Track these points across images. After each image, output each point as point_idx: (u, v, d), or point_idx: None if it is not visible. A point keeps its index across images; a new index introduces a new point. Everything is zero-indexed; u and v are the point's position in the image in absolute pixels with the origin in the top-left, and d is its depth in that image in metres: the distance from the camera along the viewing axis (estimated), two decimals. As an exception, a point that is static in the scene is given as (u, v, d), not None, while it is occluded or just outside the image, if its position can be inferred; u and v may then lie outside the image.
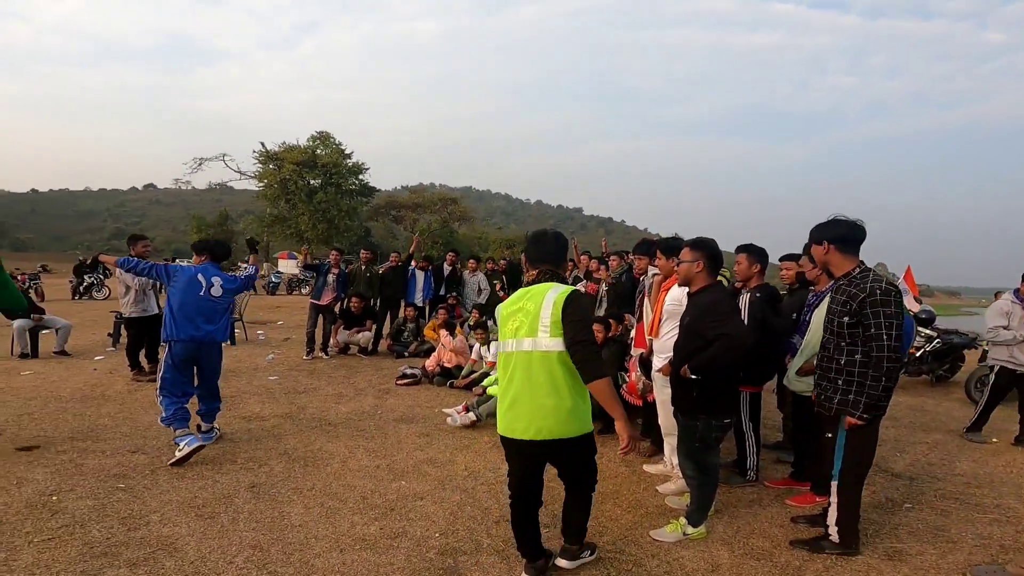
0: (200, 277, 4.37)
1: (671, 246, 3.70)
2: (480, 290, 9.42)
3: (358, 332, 8.54)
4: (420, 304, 9.06)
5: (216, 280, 4.44)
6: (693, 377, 3.09)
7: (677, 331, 3.61)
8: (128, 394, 5.73)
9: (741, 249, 3.83)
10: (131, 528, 2.91)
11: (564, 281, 2.69)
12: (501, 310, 2.69)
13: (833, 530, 3.03)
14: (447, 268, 9.59)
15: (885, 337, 2.70)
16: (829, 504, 3.07)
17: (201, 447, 3.92)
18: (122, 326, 8.79)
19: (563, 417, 2.47)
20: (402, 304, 9.17)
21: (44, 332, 7.99)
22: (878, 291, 2.72)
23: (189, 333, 4.18)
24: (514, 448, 2.62)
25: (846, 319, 2.83)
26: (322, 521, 3.15)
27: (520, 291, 2.66)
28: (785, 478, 4.05)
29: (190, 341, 4.19)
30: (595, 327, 5.14)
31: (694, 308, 3.14)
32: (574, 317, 2.44)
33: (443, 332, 7.40)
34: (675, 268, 3.38)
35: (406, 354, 8.48)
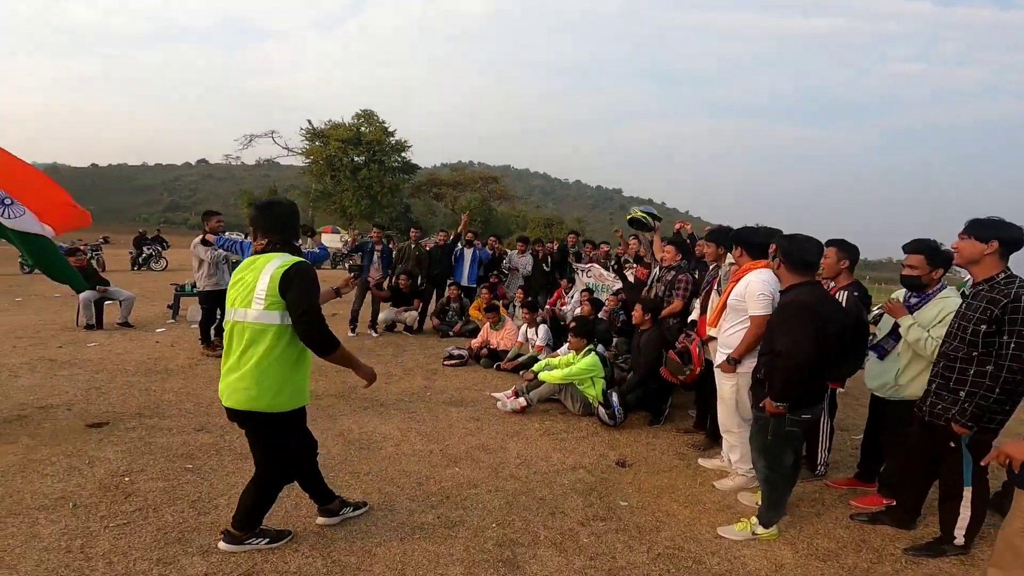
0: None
1: (732, 236, 3.55)
2: (524, 270, 9.34)
3: (405, 311, 8.62)
4: (466, 284, 9.04)
5: None
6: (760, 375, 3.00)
7: (738, 327, 3.47)
8: (190, 368, 5.93)
9: (831, 243, 3.59)
10: (201, 512, 2.99)
11: (295, 252, 2.60)
12: (232, 277, 2.62)
13: (960, 533, 2.95)
14: (488, 252, 9.52)
15: (1014, 347, 2.56)
16: (949, 509, 3.00)
17: None
18: (181, 298, 9.17)
19: (256, 390, 2.44)
20: (448, 283, 9.20)
21: (108, 303, 8.31)
22: (1023, 298, 2.56)
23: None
24: (227, 414, 2.59)
25: (984, 327, 2.66)
26: (381, 508, 3.19)
27: (248, 260, 2.60)
28: (849, 479, 3.91)
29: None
30: (636, 310, 5.03)
31: (776, 307, 3.09)
32: (298, 294, 2.41)
33: (487, 316, 7.36)
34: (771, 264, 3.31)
35: (451, 334, 8.52)
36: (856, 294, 3.51)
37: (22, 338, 6.96)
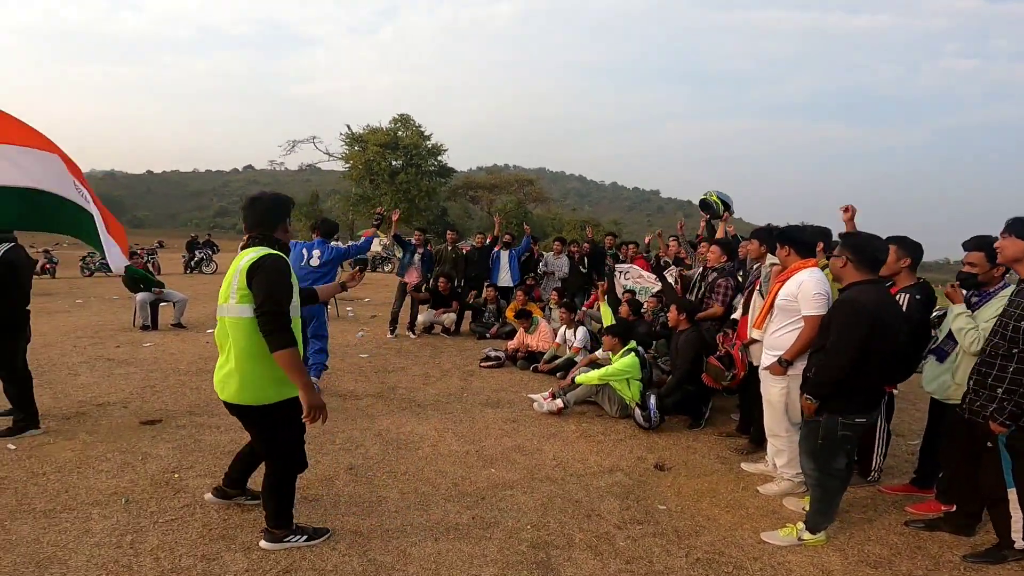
0: (304, 250, 5.39)
1: (783, 236, 3.43)
2: (560, 272, 9.28)
3: (443, 313, 8.70)
4: (503, 285, 9.06)
5: (315, 252, 5.40)
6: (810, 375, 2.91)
7: (787, 328, 3.36)
8: (236, 369, 6.12)
9: (890, 240, 3.45)
10: (245, 510, 3.07)
11: (273, 245, 2.59)
12: None
13: (1018, 536, 2.81)
14: (527, 240, 9.51)
15: None
16: (1000, 514, 2.88)
17: None
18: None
19: (239, 383, 2.48)
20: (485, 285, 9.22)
21: (163, 305, 8.69)
22: None
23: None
24: (225, 407, 2.64)
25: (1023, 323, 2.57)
26: (417, 508, 3.22)
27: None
28: (905, 484, 3.76)
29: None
30: (671, 311, 4.94)
31: (835, 302, 2.99)
32: (258, 285, 2.41)
33: (519, 322, 7.36)
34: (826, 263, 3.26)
35: (488, 336, 8.55)
36: (919, 296, 3.36)
37: (82, 338, 7.34)
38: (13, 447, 3.69)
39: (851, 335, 2.74)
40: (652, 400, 4.64)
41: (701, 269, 5.91)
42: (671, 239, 7.98)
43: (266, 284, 2.41)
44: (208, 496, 3.08)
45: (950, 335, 3.30)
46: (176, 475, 3.43)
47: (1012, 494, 2.77)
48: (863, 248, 2.89)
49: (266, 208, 2.65)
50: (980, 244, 3.18)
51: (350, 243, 5.64)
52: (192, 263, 19.98)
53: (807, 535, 3.00)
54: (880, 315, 2.76)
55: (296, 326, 2.57)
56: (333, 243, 5.85)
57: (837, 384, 2.81)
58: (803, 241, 3.42)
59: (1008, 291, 3.10)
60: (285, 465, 2.71)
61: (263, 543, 2.72)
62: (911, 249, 3.45)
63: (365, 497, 3.30)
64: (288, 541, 2.73)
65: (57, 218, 3.89)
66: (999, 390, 2.68)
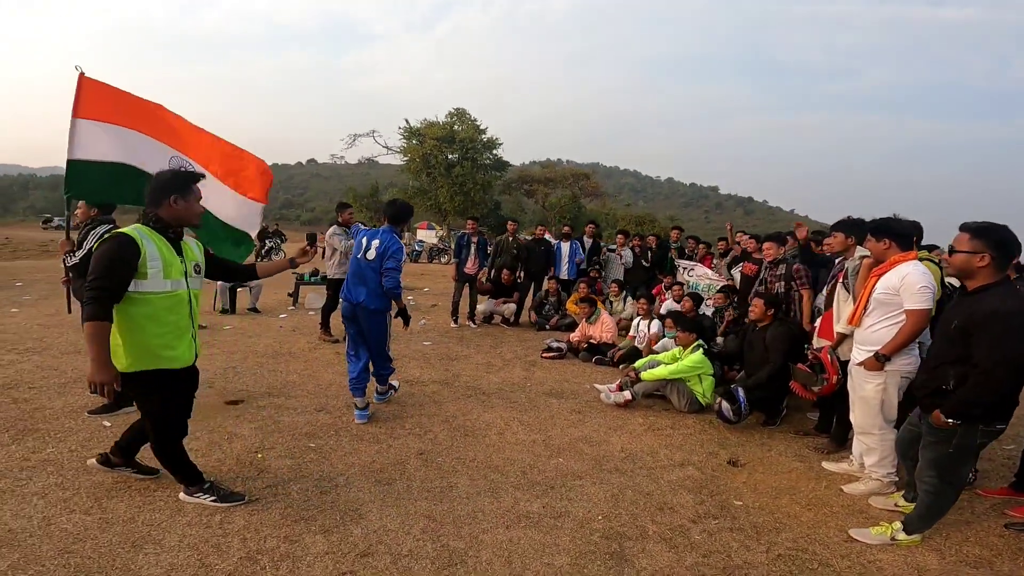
0: (364, 239, 4.26)
1: (878, 227, 3.23)
2: (624, 264, 9.14)
3: (503, 303, 8.73)
4: (564, 277, 9.00)
5: (374, 243, 4.18)
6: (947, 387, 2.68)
7: (886, 322, 3.16)
8: (310, 351, 6.37)
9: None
10: (323, 491, 3.17)
11: (148, 222, 2.68)
12: None
13: None
14: (588, 241, 9.42)
15: None
16: None
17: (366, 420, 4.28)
18: (300, 287, 9.93)
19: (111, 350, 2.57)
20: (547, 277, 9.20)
21: (240, 290, 9.17)
22: None
23: (344, 294, 4.31)
24: None
25: None
26: (487, 494, 3.23)
27: None
28: (1004, 488, 3.52)
29: (345, 302, 4.28)
30: (756, 305, 4.71)
31: (968, 308, 2.63)
32: (92, 259, 2.55)
33: (581, 308, 7.28)
34: (945, 257, 3.01)
35: (547, 327, 8.52)
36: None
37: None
38: (108, 424, 3.92)
39: (1015, 352, 2.47)
40: (741, 392, 4.42)
41: (767, 265, 5.68)
42: (739, 233, 7.74)
43: (93, 260, 2.54)
44: (91, 462, 3.18)
45: None
46: (259, 455, 3.57)
47: None
48: (1008, 245, 2.57)
49: (154, 186, 2.75)
50: None
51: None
52: (263, 251, 20.92)
53: (902, 535, 2.84)
54: None
55: (174, 305, 2.70)
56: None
57: (994, 403, 2.58)
58: (904, 234, 3.20)
59: None
60: (156, 430, 2.83)
61: (180, 494, 2.97)
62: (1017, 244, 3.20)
63: (436, 483, 3.35)
64: (196, 496, 2.94)
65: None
66: None
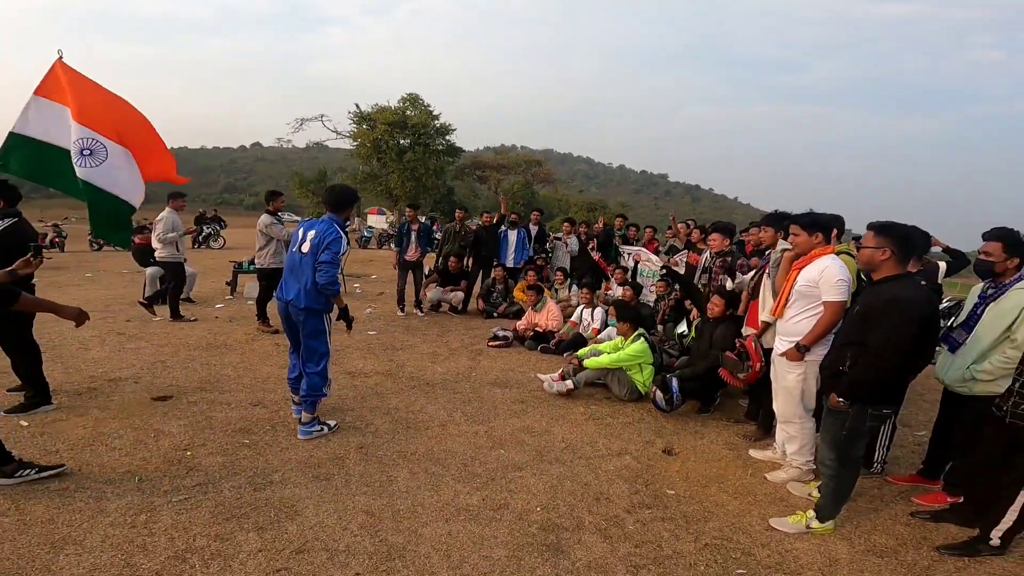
0: (301, 231, 3.80)
1: (813, 221, 3.37)
2: (570, 252, 9.24)
3: (451, 291, 8.69)
4: (511, 265, 9.03)
5: (310, 234, 3.71)
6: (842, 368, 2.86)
7: (806, 314, 3.32)
8: (247, 343, 6.15)
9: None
10: (257, 488, 3.09)
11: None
12: None
13: (997, 535, 2.81)
14: (533, 228, 9.46)
15: None
16: (996, 510, 2.85)
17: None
18: (239, 275, 9.53)
19: None
20: (493, 264, 9.20)
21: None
22: None
23: (278, 292, 3.89)
24: None
25: None
26: (427, 488, 3.23)
27: None
28: (912, 475, 3.74)
29: (281, 303, 3.84)
30: (716, 302, 4.81)
31: (870, 296, 2.87)
32: None
33: (528, 295, 7.35)
34: (855, 251, 3.21)
35: (495, 315, 8.55)
36: (924, 283, 3.32)
37: (92, 312, 7.27)
38: (26, 424, 3.71)
39: (903, 336, 2.66)
40: (675, 383, 4.56)
41: (708, 254, 5.86)
42: (681, 224, 7.94)
43: None
44: None
45: (963, 325, 3.27)
46: (188, 452, 3.45)
47: (1021, 497, 2.74)
48: (908, 240, 2.79)
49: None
50: (999, 235, 3.15)
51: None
52: (200, 238, 20.01)
53: (816, 523, 3.00)
54: (930, 311, 2.71)
55: None
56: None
57: (880, 384, 2.76)
58: (829, 227, 3.39)
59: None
60: None
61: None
62: (923, 240, 3.48)
63: (375, 477, 3.32)
64: (18, 476, 2.94)
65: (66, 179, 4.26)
66: None
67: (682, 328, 6.15)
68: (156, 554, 2.49)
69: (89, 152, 4.19)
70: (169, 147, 5.11)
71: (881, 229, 2.82)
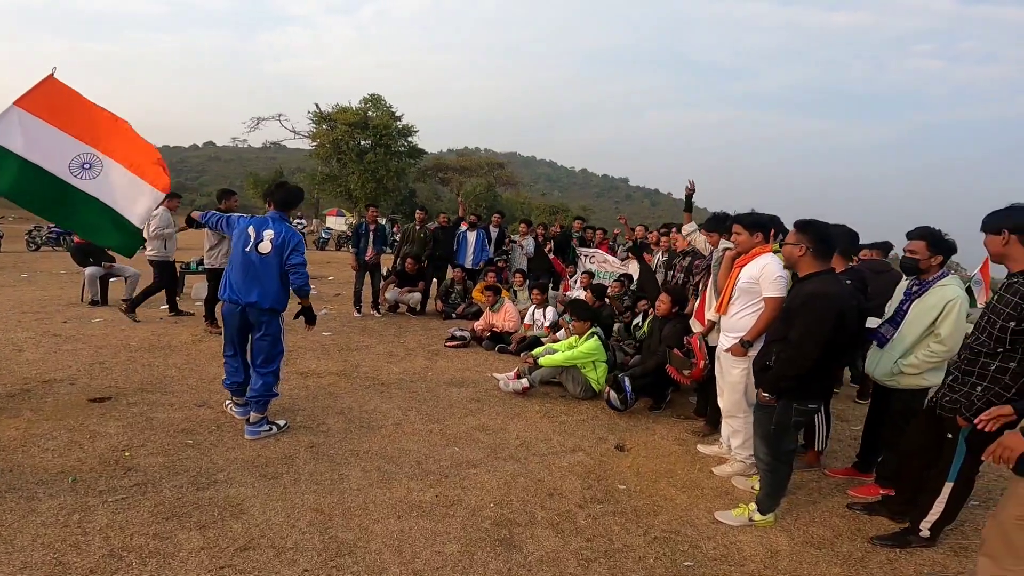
0: (251, 229, 3.70)
1: (754, 221, 3.49)
2: (527, 254, 9.31)
3: (409, 292, 8.62)
4: (469, 266, 9.03)
5: (267, 234, 3.66)
6: (768, 362, 2.96)
7: (748, 310, 3.43)
8: (193, 344, 5.95)
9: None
10: (200, 488, 3.00)
11: None
12: None
13: (926, 527, 2.92)
14: (493, 230, 9.50)
15: None
16: (924, 502, 2.95)
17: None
18: (186, 276, 9.19)
19: None
20: (449, 266, 9.19)
21: (113, 280, 8.33)
22: None
23: (228, 295, 3.73)
24: None
25: (1013, 323, 2.48)
26: (379, 485, 3.20)
27: None
28: (847, 468, 3.91)
29: (232, 304, 3.72)
30: (663, 300, 4.92)
31: (794, 292, 2.99)
32: None
33: (486, 296, 7.37)
34: (778, 248, 3.25)
35: (454, 315, 8.53)
36: (849, 281, 3.47)
37: (27, 313, 6.99)
38: None
39: (820, 329, 2.76)
40: (627, 382, 4.64)
41: (665, 256, 6.01)
42: (637, 227, 8.11)
43: None
44: None
45: (889, 320, 3.43)
46: (127, 453, 3.31)
47: (947, 489, 2.84)
48: (825, 238, 2.90)
49: None
50: (922, 234, 3.29)
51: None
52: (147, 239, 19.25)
53: (758, 516, 3.10)
54: (844, 307, 2.80)
55: None
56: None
57: (799, 377, 2.86)
58: (767, 226, 3.51)
59: (946, 281, 3.24)
60: None
61: None
62: (844, 239, 3.58)
63: (326, 475, 3.26)
64: None
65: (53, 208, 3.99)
66: (979, 388, 2.62)
67: (637, 321, 6.26)
68: (90, 553, 2.40)
69: (88, 166, 4.02)
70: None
71: (799, 227, 2.93)
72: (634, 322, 6.33)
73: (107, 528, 2.59)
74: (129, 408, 4.02)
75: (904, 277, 3.56)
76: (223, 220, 3.97)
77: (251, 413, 3.74)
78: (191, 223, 4.42)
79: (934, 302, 3.19)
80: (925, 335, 3.23)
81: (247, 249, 3.68)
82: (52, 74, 4.04)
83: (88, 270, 7.84)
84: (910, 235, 3.35)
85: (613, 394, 4.67)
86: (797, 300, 2.91)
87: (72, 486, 2.92)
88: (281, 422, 3.90)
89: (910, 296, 3.34)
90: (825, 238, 2.90)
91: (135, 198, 4.19)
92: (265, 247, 3.65)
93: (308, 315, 3.99)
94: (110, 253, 9.11)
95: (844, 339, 2.85)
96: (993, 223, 2.56)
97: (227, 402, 4.10)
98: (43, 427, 3.60)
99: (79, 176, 3.97)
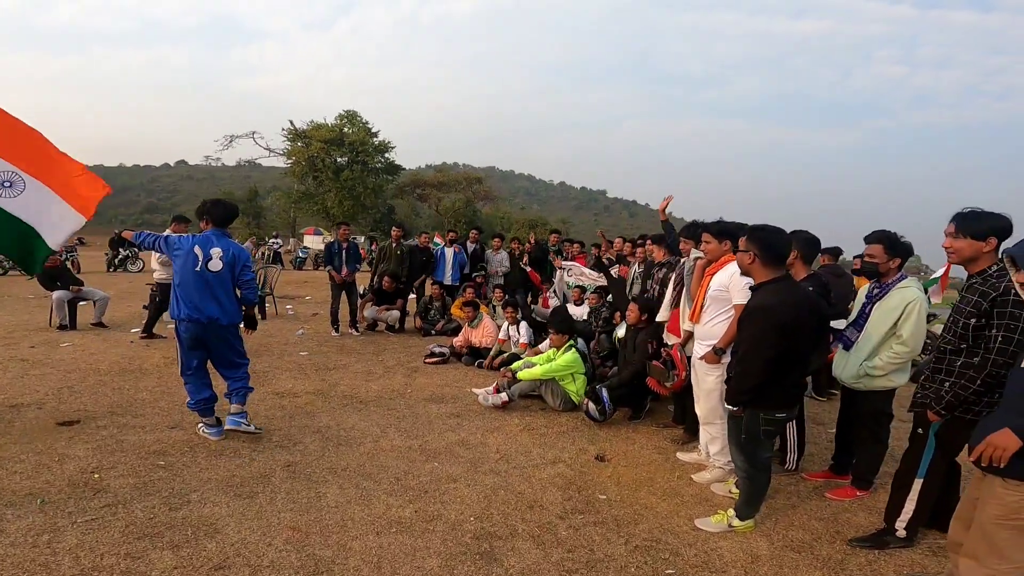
0: (197, 250, 3.81)
1: (721, 230, 3.56)
2: (503, 267, 9.35)
3: (387, 310, 8.58)
4: (448, 283, 9.03)
5: (215, 252, 3.83)
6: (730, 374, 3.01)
7: (720, 318, 3.50)
8: (165, 367, 5.83)
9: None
10: (172, 508, 2.94)
11: None
12: None
13: (901, 526, 2.96)
14: (471, 246, 9.53)
15: (1001, 340, 2.49)
16: (896, 501, 3.00)
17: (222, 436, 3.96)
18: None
19: None
20: (428, 282, 9.18)
21: (82, 304, 8.19)
22: (1012, 291, 2.45)
23: (187, 313, 3.78)
24: None
25: (973, 320, 2.59)
26: (358, 503, 3.16)
27: None
28: (824, 471, 3.96)
29: (191, 323, 3.79)
30: (632, 310, 5.02)
31: (745, 307, 3.01)
32: None
33: (464, 311, 7.38)
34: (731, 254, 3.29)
35: (433, 332, 8.50)
36: (811, 288, 3.52)
37: (-8, 338, 6.79)
38: None
39: (762, 344, 2.76)
40: (605, 393, 4.67)
41: (641, 267, 6.09)
42: (615, 238, 8.20)
43: None
44: None
45: (853, 323, 3.52)
46: (96, 475, 3.23)
47: (917, 485, 2.89)
48: (771, 245, 2.86)
49: None
50: (879, 238, 3.37)
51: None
52: (116, 261, 18.82)
53: (737, 522, 3.13)
54: (791, 317, 2.74)
55: None
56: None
57: (753, 389, 2.85)
58: (736, 235, 3.57)
59: (905, 283, 3.34)
60: None
61: None
62: (805, 244, 3.63)
63: (303, 494, 3.22)
64: None
65: None
66: (946, 384, 2.69)
67: (618, 332, 6.33)
68: (60, 572, 2.37)
69: (9, 184, 3.91)
70: (84, 165, 4.80)
71: (748, 234, 2.93)
72: (615, 334, 6.40)
73: (77, 548, 2.53)
74: (98, 431, 3.92)
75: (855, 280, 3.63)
76: (160, 240, 4.04)
77: (233, 404, 4.00)
78: (121, 243, 4.46)
79: (895, 303, 3.28)
80: (888, 336, 3.31)
81: (198, 269, 3.80)
82: None
83: (56, 294, 7.67)
84: (867, 239, 3.43)
85: (591, 405, 4.69)
86: (744, 313, 2.94)
87: (41, 508, 2.85)
88: (257, 429, 4.08)
89: (871, 299, 3.43)
90: (770, 245, 2.85)
91: (57, 221, 4.08)
92: (215, 265, 3.83)
93: (251, 322, 4.24)
94: (78, 277, 8.93)
95: (800, 347, 2.83)
96: (981, 228, 2.59)
97: (199, 425, 4.03)
98: (10, 450, 3.51)
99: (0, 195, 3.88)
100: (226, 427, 3.94)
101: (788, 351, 2.77)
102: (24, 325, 7.83)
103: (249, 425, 3.98)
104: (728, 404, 2.98)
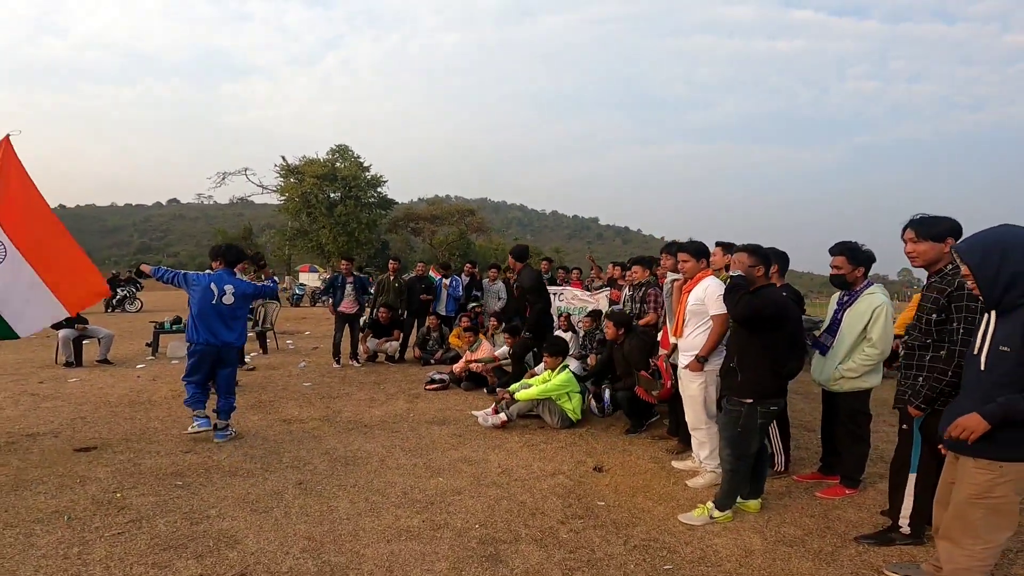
0: (213, 286, 4.63)
1: (697, 249, 3.86)
2: (499, 299, 9.55)
3: (386, 342, 8.76)
4: (444, 313, 9.23)
5: (228, 288, 4.68)
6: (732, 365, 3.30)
7: (700, 330, 3.75)
8: (174, 399, 5.97)
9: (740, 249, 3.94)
10: (193, 522, 3.09)
11: None
12: None
13: (905, 522, 3.06)
14: (464, 279, 9.75)
15: (963, 332, 2.67)
16: (895, 498, 3.12)
17: (211, 428, 4.63)
18: (160, 335, 9.18)
19: None
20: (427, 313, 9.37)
21: (87, 341, 8.34)
22: (965, 286, 2.62)
23: (205, 339, 4.60)
24: None
25: (934, 316, 2.80)
26: (368, 515, 3.32)
27: None
28: (814, 472, 4.13)
29: (208, 346, 4.61)
30: (608, 326, 5.35)
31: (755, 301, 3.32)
32: None
33: (465, 336, 7.58)
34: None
35: (432, 361, 8.67)
36: (784, 295, 3.80)
37: (2, 375, 6.93)
38: None
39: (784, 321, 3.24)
40: (607, 393, 5.20)
41: (630, 291, 6.34)
42: (610, 264, 8.48)
43: None
44: None
45: (828, 330, 3.76)
46: (118, 494, 3.39)
47: (911, 480, 3.03)
48: (785, 259, 3.42)
49: None
50: (841, 249, 3.64)
51: (264, 282, 5.13)
52: (114, 302, 18.93)
53: (716, 512, 3.34)
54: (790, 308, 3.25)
55: None
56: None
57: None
58: (710, 254, 3.94)
59: (872, 290, 3.59)
60: None
61: None
62: (780, 258, 3.95)
63: (315, 508, 3.37)
64: None
65: None
66: (920, 379, 2.86)
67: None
68: None
69: None
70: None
71: (755, 249, 3.37)
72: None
73: (107, 559, 2.68)
74: (115, 456, 4.08)
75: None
76: (178, 276, 4.62)
77: (218, 422, 4.66)
78: (140, 275, 4.86)
79: (863, 309, 3.53)
80: (859, 340, 3.55)
81: (214, 302, 4.62)
82: (7, 137, 3.83)
83: (61, 332, 7.83)
84: (831, 251, 3.69)
85: (594, 403, 5.34)
86: (756, 305, 3.25)
87: (68, 523, 3.00)
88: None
89: (842, 305, 3.68)
90: (785, 259, 3.51)
91: (28, 307, 3.95)
92: (228, 299, 4.68)
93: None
94: (83, 315, 9.09)
95: (796, 333, 3.29)
96: (939, 231, 2.83)
97: (190, 428, 4.58)
98: (32, 474, 3.66)
99: None
100: (215, 440, 4.58)
101: (791, 335, 3.21)
102: (30, 362, 7.97)
103: (232, 432, 4.73)
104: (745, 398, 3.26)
